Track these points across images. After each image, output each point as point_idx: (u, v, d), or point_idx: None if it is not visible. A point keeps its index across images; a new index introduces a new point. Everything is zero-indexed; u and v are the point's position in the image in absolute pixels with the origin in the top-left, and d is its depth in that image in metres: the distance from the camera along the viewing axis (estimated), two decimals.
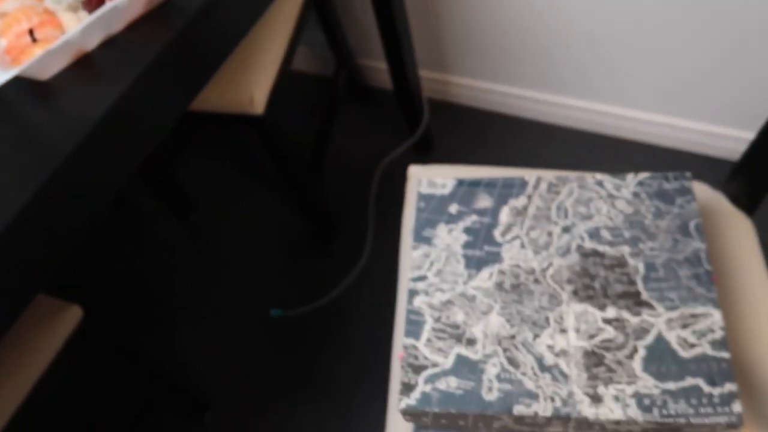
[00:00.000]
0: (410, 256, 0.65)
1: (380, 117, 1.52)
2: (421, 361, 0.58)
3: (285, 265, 1.35)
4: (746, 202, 0.72)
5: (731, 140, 1.21)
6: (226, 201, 1.49)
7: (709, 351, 0.54)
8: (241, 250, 1.40)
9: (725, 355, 0.54)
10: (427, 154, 1.43)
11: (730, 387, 0.52)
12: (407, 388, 0.57)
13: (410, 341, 0.59)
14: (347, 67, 1.44)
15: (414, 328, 0.60)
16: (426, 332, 0.60)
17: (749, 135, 1.19)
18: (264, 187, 1.48)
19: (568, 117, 1.36)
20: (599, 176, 0.67)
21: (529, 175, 0.69)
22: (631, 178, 0.66)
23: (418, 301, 0.62)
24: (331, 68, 1.49)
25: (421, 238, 0.66)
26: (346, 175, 1.45)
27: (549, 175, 0.68)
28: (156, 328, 1.32)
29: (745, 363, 0.61)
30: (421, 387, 0.57)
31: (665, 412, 0.52)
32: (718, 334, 0.55)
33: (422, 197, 0.69)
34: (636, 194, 0.65)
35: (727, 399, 0.52)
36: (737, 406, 0.51)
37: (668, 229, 0.62)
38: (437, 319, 0.60)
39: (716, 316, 0.56)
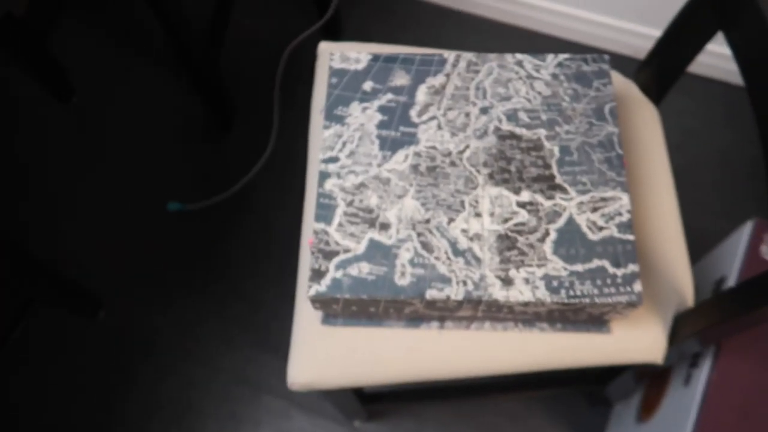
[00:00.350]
0: (321, 136, 0.60)
1: None
2: (332, 247, 0.55)
3: (182, 152, 1.26)
4: (654, 92, 0.73)
5: (640, 37, 1.21)
6: (112, 81, 1.34)
7: (616, 233, 0.55)
8: (131, 137, 1.28)
9: (630, 237, 0.55)
10: (336, 37, 1.34)
11: (632, 268, 0.54)
12: (317, 274, 0.54)
13: (321, 226, 0.56)
14: None
15: (325, 212, 0.57)
16: (338, 217, 0.56)
17: (657, 32, 1.20)
18: (153, 64, 1.35)
19: (482, 5, 1.30)
20: (519, 56, 0.64)
21: (448, 53, 0.65)
22: (551, 59, 0.64)
23: (330, 184, 0.58)
24: None
25: (333, 117, 0.61)
26: (251, 57, 1.34)
27: (468, 54, 0.65)
28: (40, 222, 1.21)
29: (647, 245, 0.63)
30: (332, 273, 0.54)
31: (572, 293, 0.53)
32: (625, 217, 0.56)
33: (335, 72, 0.63)
34: (555, 76, 0.63)
35: (629, 279, 0.54)
36: (638, 286, 0.53)
37: (584, 113, 0.61)
38: (349, 203, 0.57)
39: (624, 200, 0.56)
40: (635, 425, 0.81)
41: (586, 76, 0.63)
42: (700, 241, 1.10)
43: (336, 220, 0.56)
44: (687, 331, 0.59)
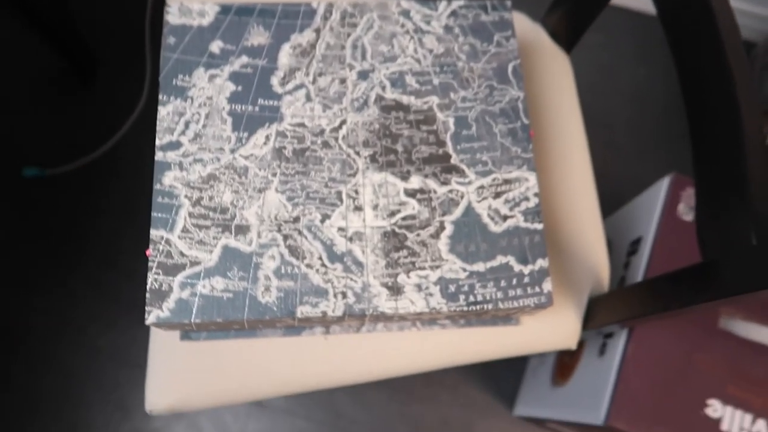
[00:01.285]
0: (159, 114, 0.47)
1: None
2: (176, 259, 0.44)
3: (39, 111, 1.07)
4: (565, 39, 0.63)
5: None
6: None
7: (522, 223, 0.46)
8: None
9: (538, 226, 0.46)
10: None
11: (541, 263, 0.46)
12: (157, 295, 0.43)
13: (160, 233, 0.44)
14: None
15: (165, 215, 0.45)
16: (181, 220, 0.45)
17: None
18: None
19: None
20: (405, 4, 0.52)
21: (318, 1, 0.52)
22: (444, 7, 0.52)
23: (170, 178, 0.46)
24: None
25: (171, 89, 0.48)
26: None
27: (342, 2, 0.52)
28: None
29: (557, 225, 0.55)
30: (177, 293, 0.43)
31: (472, 298, 0.44)
32: (533, 203, 0.47)
33: (172, 30, 0.50)
34: (448, 29, 0.52)
35: (538, 277, 0.45)
36: (547, 285, 0.45)
37: (483, 74, 0.50)
38: (196, 202, 0.45)
39: (531, 181, 0.48)
40: (550, 388, 0.77)
41: (486, 27, 0.52)
42: (614, 189, 1.05)
43: (179, 225, 0.44)
44: (603, 319, 0.52)
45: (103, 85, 1.09)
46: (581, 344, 0.71)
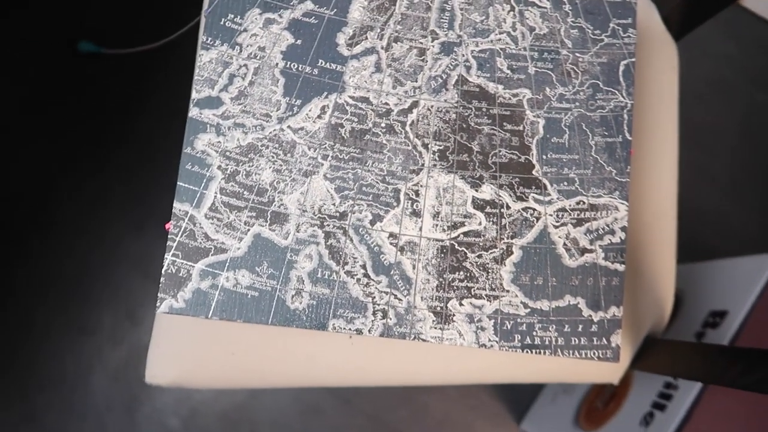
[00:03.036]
0: (199, 62, 0.40)
1: None
2: (199, 242, 0.37)
3: None
4: (679, 25, 0.54)
5: None
6: None
7: (602, 260, 0.40)
8: None
9: (620, 267, 0.40)
10: None
11: (614, 312, 0.39)
12: (173, 282, 0.37)
13: (185, 207, 0.38)
14: None
15: (193, 186, 0.38)
16: (211, 195, 0.38)
17: None
18: None
19: None
20: None
21: None
22: None
23: (204, 142, 0.38)
24: None
25: (218, 30, 0.40)
26: None
27: None
28: None
29: (631, 263, 0.48)
30: (196, 282, 0.37)
31: (528, 340, 0.38)
32: (618, 237, 0.40)
33: None
34: (558, 3, 0.42)
35: (608, 328, 0.39)
36: (617, 338, 0.39)
37: (589, 69, 0.42)
38: (231, 176, 0.38)
39: (621, 211, 0.40)
40: (572, 427, 0.72)
41: (603, 9, 0.43)
42: (695, 224, 0.94)
43: (208, 201, 0.38)
44: (655, 363, 0.47)
45: None
46: (619, 399, 0.65)
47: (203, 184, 0.38)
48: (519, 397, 0.91)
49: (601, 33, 0.42)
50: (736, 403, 0.53)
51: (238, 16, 0.40)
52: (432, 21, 0.41)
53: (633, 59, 0.42)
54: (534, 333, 0.39)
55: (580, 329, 0.39)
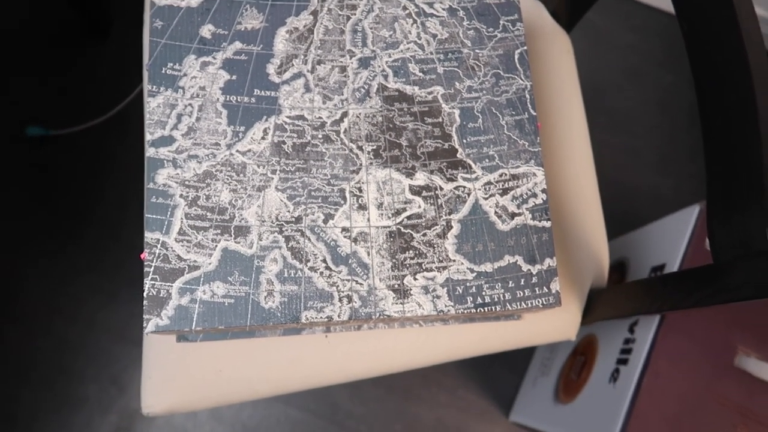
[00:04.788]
0: (148, 108, 0.44)
1: None
2: (173, 264, 0.42)
3: (48, 65, 1.01)
4: (567, 17, 0.61)
5: None
6: None
7: (530, 220, 0.45)
8: None
9: (546, 224, 0.45)
10: None
11: (549, 263, 0.45)
12: (155, 303, 0.41)
13: (155, 236, 0.42)
14: None
15: (159, 216, 0.42)
16: (178, 221, 0.42)
17: None
18: None
19: None
20: None
21: None
22: None
23: (164, 176, 0.43)
24: None
25: (161, 79, 0.45)
26: None
27: None
28: None
29: (557, 222, 0.54)
30: (176, 300, 0.41)
31: (480, 300, 0.43)
32: (541, 199, 0.46)
33: (159, 13, 0.46)
34: (453, 11, 0.49)
35: (546, 277, 0.45)
36: (555, 285, 0.45)
37: (489, 62, 0.48)
38: (193, 202, 0.43)
39: (539, 176, 0.46)
40: (552, 403, 0.77)
41: (491, 10, 0.49)
42: (630, 199, 1.02)
43: (176, 227, 0.42)
44: (603, 312, 0.52)
45: (115, 43, 1.02)
46: (589, 366, 0.70)
47: (169, 213, 0.42)
48: (504, 392, 0.95)
49: (494, 30, 0.49)
50: (688, 343, 0.58)
51: (177, 63, 0.45)
52: (347, 42, 0.47)
53: (525, 47, 0.49)
54: (483, 293, 0.44)
55: (522, 283, 0.44)
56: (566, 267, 0.54)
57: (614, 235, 0.83)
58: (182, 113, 0.44)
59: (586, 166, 0.56)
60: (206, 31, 0.46)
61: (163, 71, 0.45)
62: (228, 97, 0.45)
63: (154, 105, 0.44)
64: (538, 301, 0.44)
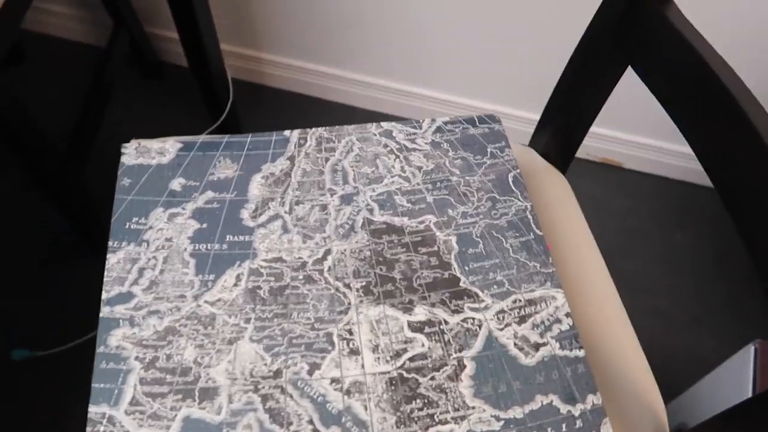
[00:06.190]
0: (107, 265, 0.40)
1: (177, 98, 1.20)
2: None
3: (37, 280, 0.98)
4: (559, 158, 0.59)
5: (522, 121, 1.12)
6: None
7: (558, 350, 0.37)
8: None
9: (579, 353, 0.37)
10: None
11: (593, 399, 0.36)
12: None
13: (101, 409, 0.34)
14: (129, 34, 1.10)
15: (109, 384, 0.35)
16: (130, 389, 0.35)
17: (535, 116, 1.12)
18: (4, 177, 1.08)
19: (385, 101, 1.17)
20: (386, 125, 0.48)
21: (290, 131, 0.47)
22: (428, 124, 0.48)
23: (117, 338, 0.37)
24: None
25: (123, 234, 0.41)
26: None
27: (318, 129, 0.48)
28: None
29: (596, 359, 0.46)
30: None
31: None
32: (566, 324, 0.38)
33: (128, 171, 0.44)
34: (436, 144, 0.47)
35: (593, 419, 0.35)
36: (607, 429, 0.35)
37: (482, 187, 0.44)
38: (150, 364, 0.36)
39: (559, 299, 0.39)
40: None
41: (476, 140, 0.47)
42: (670, 364, 0.93)
43: (127, 397, 0.34)
44: None
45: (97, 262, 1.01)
46: None
47: (120, 379, 0.35)
48: None
49: (482, 157, 0.46)
50: None
51: (143, 218, 0.41)
52: (327, 181, 0.44)
53: (518, 170, 0.45)
54: None
55: (564, 429, 0.35)
56: (613, 414, 0.44)
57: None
58: (145, 267, 0.39)
59: (612, 302, 0.49)
60: (176, 184, 0.43)
61: (126, 226, 0.41)
62: (197, 245, 0.40)
63: (113, 261, 0.39)
64: None
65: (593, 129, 0.54)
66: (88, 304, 0.95)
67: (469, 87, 1.12)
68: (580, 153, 1.14)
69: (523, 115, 1.11)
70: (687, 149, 0.42)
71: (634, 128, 1.07)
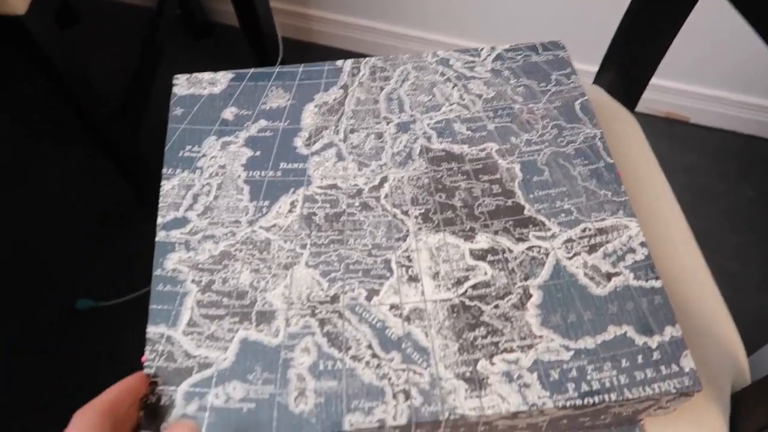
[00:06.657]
0: (162, 191, 0.39)
1: (228, 58, 1.21)
2: (179, 363, 0.33)
3: (100, 236, 1.01)
4: (626, 95, 0.56)
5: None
6: (23, 159, 1.10)
7: (632, 280, 0.35)
8: (40, 224, 1.03)
9: (656, 283, 0.35)
10: None
11: (671, 332, 0.33)
12: (154, 414, 0.31)
13: (159, 330, 0.34)
14: None
15: (166, 306, 0.34)
16: (187, 311, 0.34)
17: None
18: (64, 138, 1.11)
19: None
20: (442, 53, 0.46)
21: (343, 61, 0.46)
22: (487, 52, 0.45)
23: (174, 261, 0.36)
24: None
25: (177, 161, 0.40)
26: None
27: (372, 58, 0.46)
28: None
29: (672, 293, 0.43)
30: (181, 407, 0.31)
31: (585, 387, 0.32)
32: (641, 254, 0.36)
33: (180, 101, 0.43)
34: (496, 72, 0.44)
35: (672, 351, 0.33)
36: (688, 361, 0.33)
37: (547, 114, 0.42)
38: (206, 287, 0.35)
39: (633, 228, 0.37)
40: None
41: (540, 67, 0.44)
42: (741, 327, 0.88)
43: (184, 318, 0.34)
44: (762, 416, 0.38)
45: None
46: None
47: (177, 301, 0.34)
48: None
49: (546, 85, 0.43)
50: None
51: (196, 145, 0.41)
52: (382, 110, 0.42)
53: (585, 97, 0.43)
54: (588, 377, 0.32)
55: (640, 360, 0.32)
56: (691, 351, 0.41)
57: None
58: (199, 193, 0.38)
59: (683, 236, 0.46)
60: (228, 113, 0.42)
61: (180, 154, 0.40)
62: (251, 172, 0.39)
63: (168, 188, 0.39)
64: (669, 384, 0.32)
65: (657, 81, 0.51)
66: (145, 260, 0.97)
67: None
68: (643, 107, 1.09)
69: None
70: (759, 101, 0.38)
71: (701, 79, 1.01)
